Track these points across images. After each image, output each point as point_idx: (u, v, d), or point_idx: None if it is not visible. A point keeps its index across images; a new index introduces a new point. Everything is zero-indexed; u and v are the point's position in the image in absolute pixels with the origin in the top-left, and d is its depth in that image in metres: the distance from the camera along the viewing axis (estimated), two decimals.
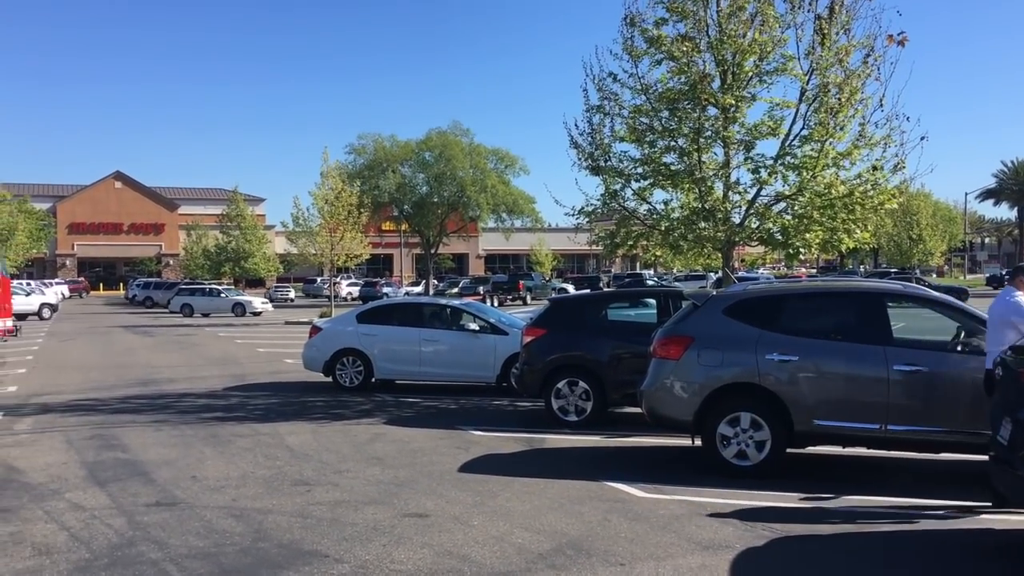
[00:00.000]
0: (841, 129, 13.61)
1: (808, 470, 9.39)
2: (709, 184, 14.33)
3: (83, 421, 13.02)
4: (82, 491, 8.63)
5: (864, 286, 10.66)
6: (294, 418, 13.13)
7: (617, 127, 15.02)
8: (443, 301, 18.56)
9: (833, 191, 13.56)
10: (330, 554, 6.56)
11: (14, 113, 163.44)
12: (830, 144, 13.60)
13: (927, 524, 7.43)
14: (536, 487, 8.62)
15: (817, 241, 14.12)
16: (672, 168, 14.63)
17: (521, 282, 61.16)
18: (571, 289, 57.25)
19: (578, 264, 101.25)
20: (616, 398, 12.43)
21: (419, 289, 65.50)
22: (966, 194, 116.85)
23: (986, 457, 7.16)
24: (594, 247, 19.28)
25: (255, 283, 71.94)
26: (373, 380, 16.35)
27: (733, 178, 14.50)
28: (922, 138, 13.53)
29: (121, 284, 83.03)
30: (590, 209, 15.66)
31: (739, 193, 14.54)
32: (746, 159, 14.45)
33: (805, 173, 13.75)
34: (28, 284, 53.78)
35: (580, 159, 15.34)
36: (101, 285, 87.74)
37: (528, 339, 13.06)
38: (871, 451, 9.56)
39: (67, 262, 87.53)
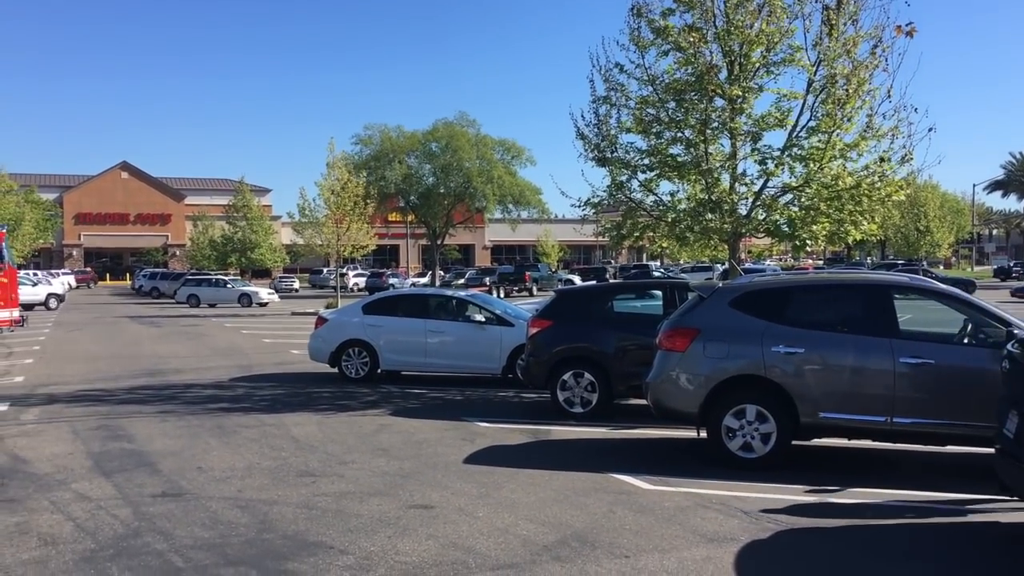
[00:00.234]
0: (848, 120, 13.57)
1: (813, 463, 9.38)
2: (716, 175, 14.29)
3: (89, 411, 13.06)
4: (88, 481, 8.66)
5: (871, 278, 10.62)
6: (300, 409, 13.15)
7: (623, 118, 15.00)
8: (449, 292, 18.56)
9: (840, 183, 13.52)
10: (335, 545, 6.57)
11: (21, 104, 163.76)
12: (837, 135, 13.56)
13: (933, 517, 7.41)
14: (541, 479, 8.62)
15: (824, 233, 14.08)
16: (679, 159, 14.59)
17: (527, 273, 61.16)
18: (577, 280, 57.26)
19: (584, 255, 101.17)
20: (622, 390, 12.43)
21: (425, 280, 65.57)
22: (974, 185, 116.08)
23: (992, 450, 7.13)
24: (600, 238, 19.27)
25: (261, 274, 72.03)
26: (379, 371, 16.37)
27: (740, 169, 14.48)
28: (930, 129, 13.49)
29: (127, 274, 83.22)
30: (596, 200, 15.64)
31: (746, 184, 14.51)
32: (753, 150, 14.41)
33: (812, 164, 13.70)
34: (35, 274, 53.92)
35: (586, 150, 15.32)
36: (108, 275, 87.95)
37: (534, 331, 13.06)
38: (877, 444, 9.54)
39: (74, 252, 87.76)
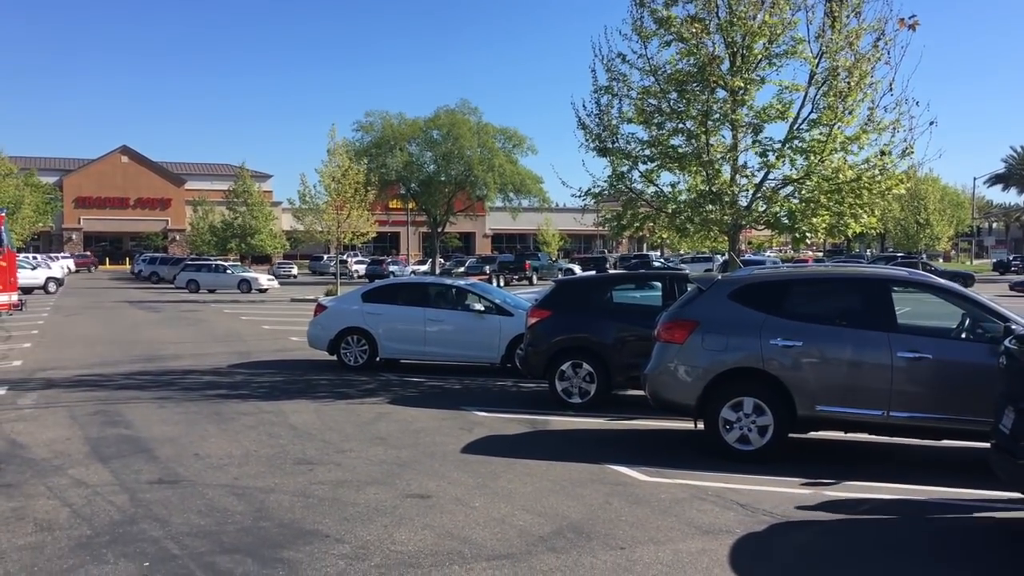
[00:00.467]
0: (850, 113, 13.54)
1: (810, 456, 9.39)
2: (716, 167, 14.27)
3: (87, 397, 13.06)
4: (85, 467, 8.66)
5: (869, 272, 10.61)
6: (298, 396, 13.16)
7: (625, 108, 14.98)
8: (448, 281, 18.54)
9: (841, 176, 13.50)
10: (331, 534, 6.58)
11: (21, 86, 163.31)
12: (838, 128, 13.54)
13: (929, 511, 7.42)
14: (538, 469, 8.64)
15: (824, 225, 14.07)
16: (680, 150, 14.57)
17: (527, 262, 61.11)
18: (577, 270, 57.25)
19: (585, 244, 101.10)
20: (620, 381, 12.43)
21: (425, 268, 65.53)
22: (974, 179, 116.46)
23: (988, 445, 7.14)
24: (601, 228, 19.25)
25: (261, 260, 72.00)
26: (378, 359, 16.37)
27: (741, 161, 14.46)
28: (931, 123, 13.48)
29: (127, 259, 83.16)
30: (597, 191, 15.61)
31: (746, 176, 14.50)
32: (754, 142, 14.39)
33: (813, 157, 13.69)
34: (34, 258, 53.89)
35: (587, 140, 15.29)
36: (107, 260, 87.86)
37: (533, 320, 13.05)
38: (873, 437, 9.55)
39: (73, 236, 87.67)
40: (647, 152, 14.91)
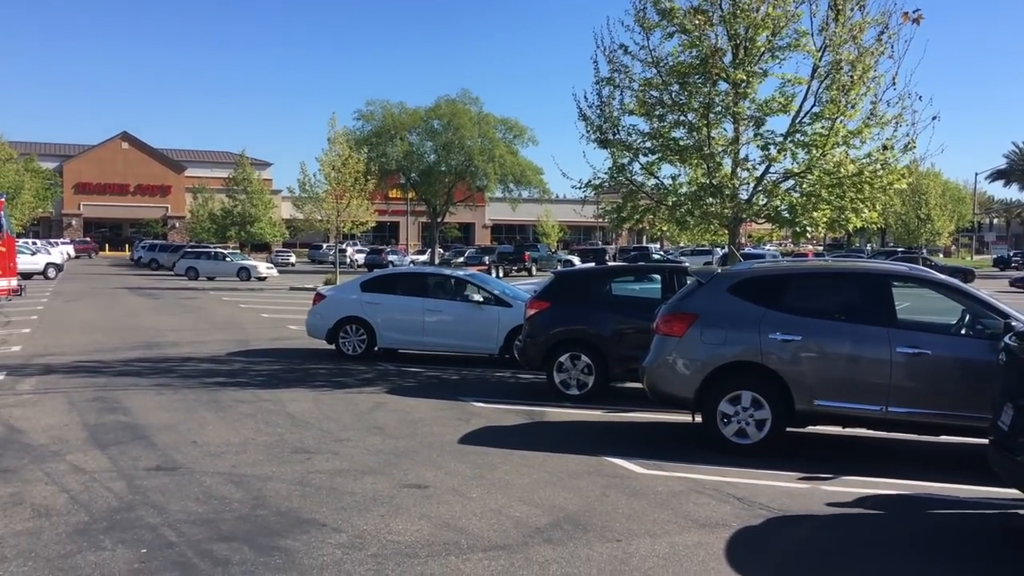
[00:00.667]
0: (852, 107, 13.51)
1: (808, 450, 9.39)
2: (718, 160, 14.25)
3: (86, 383, 13.06)
4: (83, 453, 8.66)
5: (869, 267, 10.60)
6: (296, 385, 13.16)
7: (627, 100, 14.94)
8: (447, 271, 18.54)
9: (842, 170, 13.49)
10: (328, 523, 6.58)
11: (21, 71, 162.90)
12: (841, 122, 13.52)
13: (926, 507, 7.43)
14: (535, 460, 8.64)
15: (824, 220, 14.06)
16: (681, 143, 14.55)
17: (527, 253, 61.07)
18: (577, 261, 57.22)
19: (584, 236, 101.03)
20: (618, 373, 12.43)
21: (424, 258, 65.51)
22: (976, 174, 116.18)
23: (986, 441, 7.14)
24: (600, 220, 19.24)
25: (260, 248, 71.93)
26: (376, 349, 16.37)
27: (742, 154, 14.44)
28: (934, 118, 13.47)
29: (127, 245, 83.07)
30: (597, 182, 15.59)
31: (747, 170, 14.48)
32: (756, 135, 14.37)
33: (815, 151, 13.67)
34: (33, 243, 53.82)
35: (588, 132, 15.26)
36: (106, 246, 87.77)
37: (532, 312, 13.04)
38: (871, 432, 9.56)
39: (73, 222, 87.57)
40: (648, 144, 14.89)
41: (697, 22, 13.74)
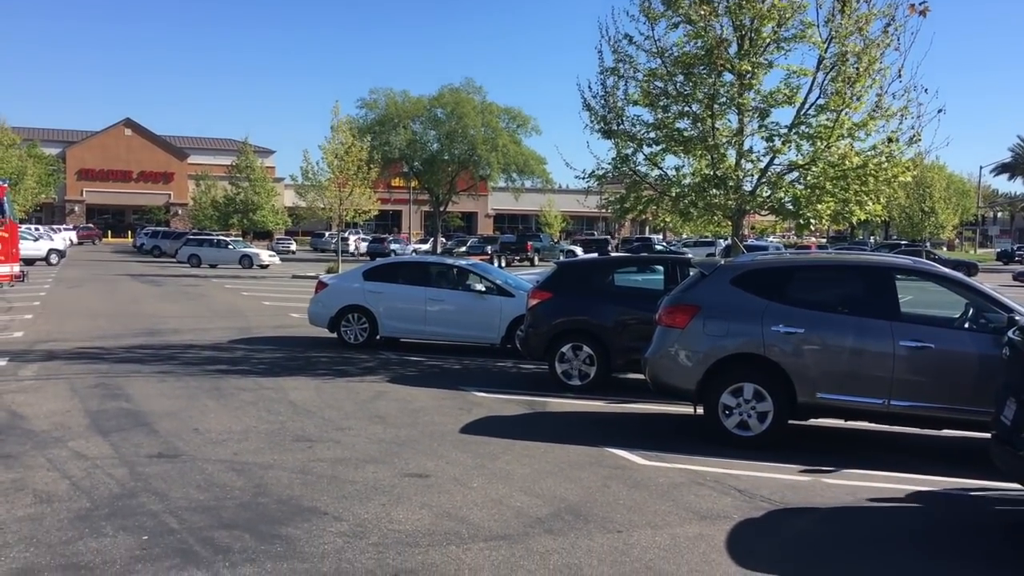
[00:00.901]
0: (858, 99, 13.45)
1: (809, 443, 9.39)
2: (722, 151, 14.19)
3: (88, 369, 13.07)
4: (85, 440, 8.67)
5: (873, 260, 10.58)
6: (298, 373, 13.16)
7: (631, 90, 14.88)
8: (450, 261, 18.52)
9: (847, 162, 13.43)
10: (329, 511, 6.59)
11: (24, 57, 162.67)
12: (846, 114, 13.45)
13: (928, 501, 7.43)
14: (537, 451, 8.64)
15: (829, 212, 14.01)
16: (685, 134, 14.49)
17: (529, 243, 61.01)
18: (579, 251, 57.17)
19: (587, 226, 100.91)
20: (620, 364, 12.42)
21: (427, 247, 65.47)
22: (981, 167, 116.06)
23: (988, 435, 7.13)
24: (603, 211, 19.19)
25: (263, 235, 71.94)
26: (378, 338, 16.37)
27: (746, 146, 14.37)
28: (939, 111, 13.38)
29: (129, 232, 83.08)
30: (601, 173, 15.54)
31: (752, 161, 14.41)
32: (760, 127, 14.30)
33: (819, 143, 13.61)
34: (36, 229, 53.82)
35: (592, 122, 15.20)
36: (109, 232, 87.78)
37: (534, 302, 13.03)
38: (873, 426, 9.55)
39: (76, 208, 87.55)
40: (652, 135, 14.83)
41: (702, 12, 13.66)
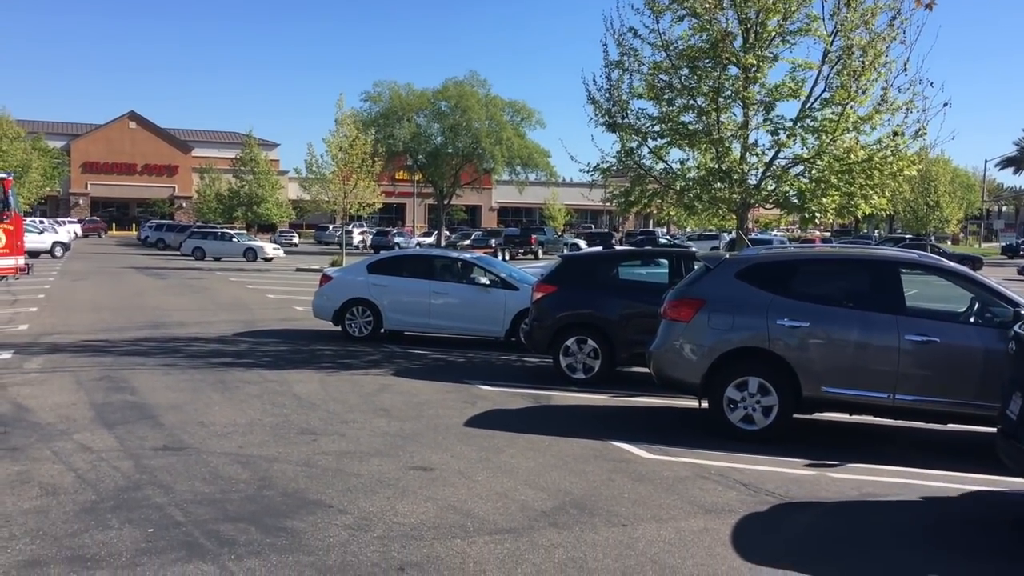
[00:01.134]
0: (863, 93, 13.41)
1: (814, 437, 9.38)
2: (727, 145, 14.16)
3: (93, 362, 13.09)
4: (90, 432, 8.69)
5: (878, 254, 10.55)
6: (302, 366, 13.18)
7: (636, 84, 14.86)
8: (454, 254, 18.51)
9: (852, 156, 13.39)
10: (334, 504, 6.59)
11: (29, 50, 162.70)
12: (851, 108, 13.42)
13: (931, 494, 7.42)
14: (541, 444, 8.64)
15: (834, 206, 13.98)
16: (690, 127, 14.45)
17: (533, 236, 60.99)
18: (583, 244, 57.14)
19: (591, 219, 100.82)
20: (625, 357, 12.41)
21: (431, 240, 65.44)
22: (985, 161, 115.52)
23: (993, 430, 7.11)
24: (608, 204, 19.17)
25: (267, 228, 71.97)
26: (382, 331, 16.37)
27: (751, 139, 14.36)
28: (945, 104, 13.35)
29: (133, 225, 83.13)
30: (605, 166, 15.53)
31: (756, 155, 14.39)
32: (765, 120, 14.28)
33: (824, 136, 13.58)
34: (41, 222, 53.87)
35: (597, 115, 15.17)
36: (113, 225, 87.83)
37: (539, 295, 13.02)
38: (878, 420, 9.54)
39: (80, 201, 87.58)
40: (657, 128, 14.79)
41: (707, 5, 13.62)
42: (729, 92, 14.09)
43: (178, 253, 51.11)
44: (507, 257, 49.19)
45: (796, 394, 8.90)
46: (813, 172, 13.97)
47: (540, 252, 57.59)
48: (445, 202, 66.69)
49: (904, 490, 7.52)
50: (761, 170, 14.41)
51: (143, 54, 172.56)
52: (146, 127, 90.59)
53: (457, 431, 9.17)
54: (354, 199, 40.19)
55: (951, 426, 9.22)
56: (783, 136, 13.97)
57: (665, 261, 13.43)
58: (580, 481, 7.40)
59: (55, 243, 45.40)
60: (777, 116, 14.20)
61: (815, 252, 12.29)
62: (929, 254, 11.37)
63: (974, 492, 7.56)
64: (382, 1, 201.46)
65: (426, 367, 13.60)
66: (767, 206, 15.27)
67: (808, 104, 13.88)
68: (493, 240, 59.35)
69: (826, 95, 13.70)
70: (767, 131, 14.24)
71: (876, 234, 79.83)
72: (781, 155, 14.31)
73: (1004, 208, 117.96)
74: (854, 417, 9.65)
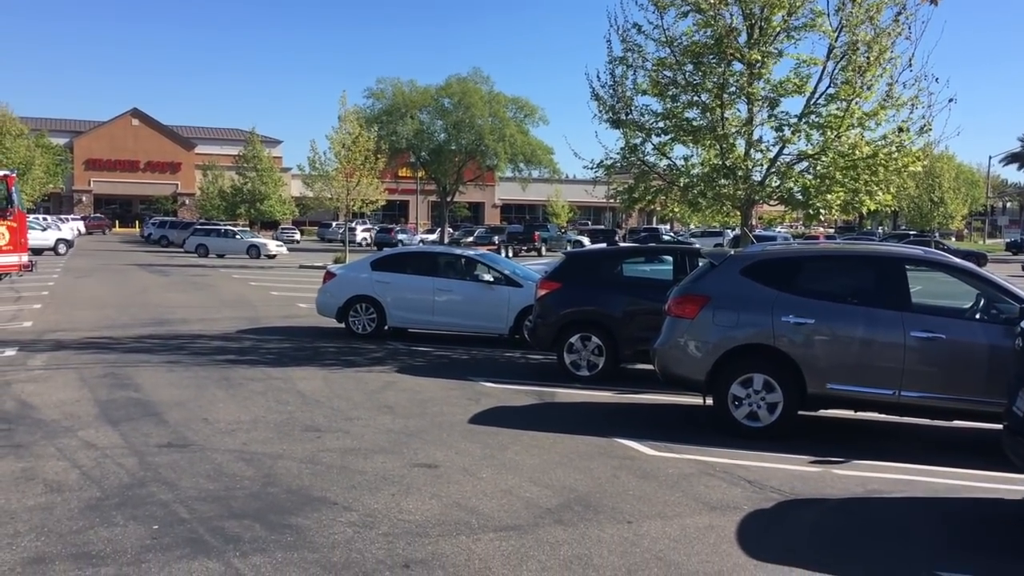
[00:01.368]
0: (868, 88, 13.37)
1: (819, 434, 9.36)
2: (731, 141, 14.13)
3: (97, 359, 13.10)
4: (94, 429, 8.69)
5: (883, 250, 10.52)
6: (306, 363, 13.17)
7: (640, 80, 14.81)
8: (458, 251, 18.50)
9: (857, 152, 13.35)
10: (339, 501, 6.59)
11: (33, 47, 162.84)
12: (856, 104, 13.37)
13: (937, 491, 7.40)
14: (546, 441, 8.63)
15: (838, 202, 13.93)
16: (694, 124, 14.43)
17: (536, 233, 60.96)
18: (586, 241, 57.09)
19: (595, 216, 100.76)
20: (629, 354, 12.40)
21: (434, 237, 65.43)
22: (990, 157, 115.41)
23: (999, 426, 7.09)
24: (611, 200, 19.15)
25: (270, 225, 72.00)
26: (386, 328, 16.37)
27: (756, 136, 14.30)
28: (950, 100, 13.30)
29: (137, 222, 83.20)
30: (609, 163, 15.49)
31: (761, 151, 14.34)
32: (770, 116, 14.24)
33: (829, 133, 13.54)
34: (44, 219, 53.91)
35: (601, 111, 15.14)
36: (117, 222, 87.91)
37: (542, 292, 13.01)
38: (884, 417, 9.51)
39: (83, 198, 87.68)
40: (661, 125, 14.76)
41: (712, 1, 13.59)
42: (733, 88, 14.05)
43: (181, 250, 51.17)
44: (510, 254, 49.16)
45: (801, 391, 8.88)
46: (818, 168, 13.93)
47: (543, 249, 57.54)
48: (448, 199, 66.63)
49: (909, 487, 7.50)
50: (765, 166, 14.37)
51: (146, 54, 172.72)
52: (149, 124, 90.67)
53: (461, 428, 9.16)
54: (357, 196, 40.17)
55: (957, 423, 9.20)
56: (788, 132, 13.92)
57: (669, 258, 13.41)
58: (585, 478, 7.39)
59: (58, 240, 45.47)
60: (782, 112, 14.17)
61: (820, 248, 12.25)
62: (934, 250, 11.34)
63: (979, 489, 7.54)
64: (383, 1, 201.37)
65: (430, 364, 13.60)
66: (771, 202, 15.24)
67: (813, 100, 13.84)
68: (496, 237, 59.30)
69: (831, 91, 13.66)
70: (771, 127, 14.21)
71: (880, 230, 79.66)
72: (786, 151, 14.28)
73: (1008, 204, 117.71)
74: (859, 414, 9.64)
